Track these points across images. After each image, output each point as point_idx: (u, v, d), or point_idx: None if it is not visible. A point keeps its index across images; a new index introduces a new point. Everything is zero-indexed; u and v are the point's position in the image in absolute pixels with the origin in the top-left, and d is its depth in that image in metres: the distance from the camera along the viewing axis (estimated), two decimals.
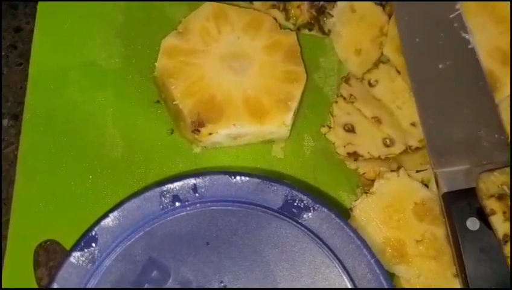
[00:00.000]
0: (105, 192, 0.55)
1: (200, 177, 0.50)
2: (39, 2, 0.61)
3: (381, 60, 0.59)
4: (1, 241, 0.55)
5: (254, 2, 0.60)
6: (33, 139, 0.57)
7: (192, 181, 0.50)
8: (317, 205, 0.49)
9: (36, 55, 0.59)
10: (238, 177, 0.50)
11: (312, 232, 0.49)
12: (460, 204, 0.52)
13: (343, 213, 0.53)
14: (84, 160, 0.56)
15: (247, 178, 0.50)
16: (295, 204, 0.50)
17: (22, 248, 0.54)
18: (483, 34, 0.58)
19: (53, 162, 0.56)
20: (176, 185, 0.50)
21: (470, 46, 0.57)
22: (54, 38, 0.60)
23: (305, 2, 0.60)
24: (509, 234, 0.53)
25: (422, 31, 0.57)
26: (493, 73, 0.57)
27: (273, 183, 0.50)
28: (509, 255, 0.52)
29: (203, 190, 0.50)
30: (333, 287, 0.48)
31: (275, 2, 0.60)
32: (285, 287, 0.48)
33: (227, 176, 0.50)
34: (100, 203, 0.54)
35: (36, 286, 0.53)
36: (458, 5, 0.57)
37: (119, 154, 0.57)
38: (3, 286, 0.53)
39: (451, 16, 0.57)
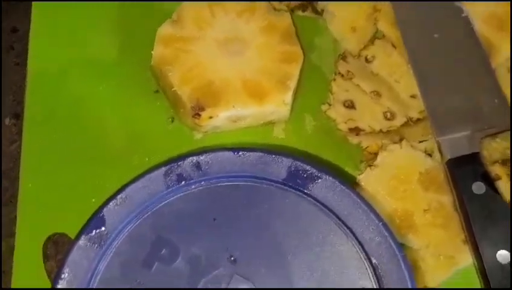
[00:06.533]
0: (109, 183, 0.55)
1: (203, 155, 0.50)
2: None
3: (376, 36, 0.59)
4: (1, 240, 0.55)
5: None
6: (35, 135, 0.57)
7: (195, 159, 0.50)
8: (322, 174, 0.49)
9: (33, 51, 0.59)
10: (241, 152, 0.50)
11: (318, 201, 0.49)
12: (465, 169, 0.52)
13: None
14: (87, 153, 0.56)
15: (250, 152, 0.50)
16: (299, 174, 0.50)
17: (30, 243, 0.54)
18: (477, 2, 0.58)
19: (56, 157, 0.56)
20: (180, 163, 0.50)
21: (463, 15, 0.57)
22: (50, 34, 0.60)
23: None
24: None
25: (415, 2, 0.58)
26: (488, 39, 0.57)
27: (276, 155, 0.50)
28: None
29: (206, 167, 0.50)
30: (342, 253, 0.48)
31: None
32: (294, 257, 0.48)
33: (230, 151, 0.50)
34: (105, 194, 0.54)
35: (47, 279, 0.53)
36: None
37: (121, 146, 0.57)
38: (14, 283, 0.53)
39: None
